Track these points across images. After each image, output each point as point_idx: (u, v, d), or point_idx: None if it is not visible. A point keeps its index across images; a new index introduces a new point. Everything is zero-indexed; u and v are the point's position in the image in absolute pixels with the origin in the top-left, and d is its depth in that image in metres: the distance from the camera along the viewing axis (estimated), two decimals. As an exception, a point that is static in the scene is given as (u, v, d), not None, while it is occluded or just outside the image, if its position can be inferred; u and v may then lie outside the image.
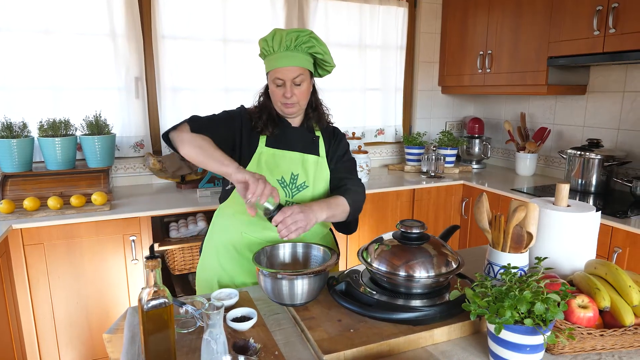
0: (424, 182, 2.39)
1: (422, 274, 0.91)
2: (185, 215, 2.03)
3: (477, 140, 2.79)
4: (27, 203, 1.71)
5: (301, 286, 0.92)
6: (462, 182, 2.45)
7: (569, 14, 2.02)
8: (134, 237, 1.80)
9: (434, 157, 2.52)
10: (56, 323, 1.76)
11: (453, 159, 2.70)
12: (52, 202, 1.74)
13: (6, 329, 1.55)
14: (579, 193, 2.13)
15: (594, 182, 2.09)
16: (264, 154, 1.18)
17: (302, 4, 2.41)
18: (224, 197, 1.26)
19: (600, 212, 1.07)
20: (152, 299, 0.66)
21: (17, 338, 1.64)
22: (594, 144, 2.13)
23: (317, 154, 1.23)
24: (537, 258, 0.92)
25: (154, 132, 2.30)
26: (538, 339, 0.75)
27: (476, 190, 2.35)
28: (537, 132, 2.47)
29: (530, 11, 2.23)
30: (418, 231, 0.96)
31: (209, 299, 0.97)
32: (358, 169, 2.35)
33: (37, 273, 1.70)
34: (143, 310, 0.65)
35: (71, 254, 1.73)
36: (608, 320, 0.88)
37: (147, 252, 1.85)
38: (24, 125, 1.88)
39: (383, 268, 0.94)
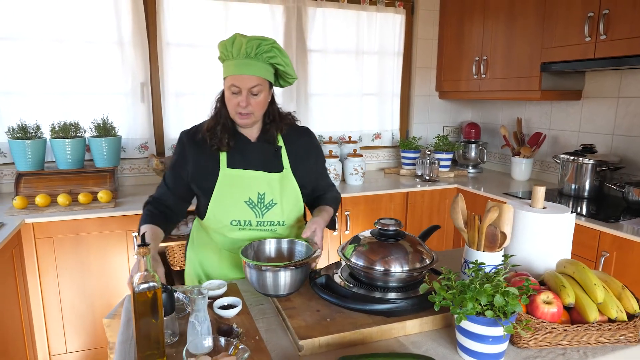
0: (418, 186, 2.44)
1: (396, 269, 0.97)
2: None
3: (473, 145, 2.81)
4: (39, 199, 1.82)
5: (284, 278, 0.99)
6: (456, 185, 2.48)
7: (561, 21, 2.04)
8: (136, 233, 1.89)
9: (428, 161, 2.56)
10: (63, 311, 1.86)
11: (448, 163, 2.73)
12: (61, 199, 1.84)
13: (17, 315, 1.66)
14: (572, 198, 2.13)
15: (587, 187, 2.10)
16: (227, 176, 1.15)
17: (301, 12, 2.48)
18: (202, 213, 1.22)
19: (574, 214, 1.11)
20: (142, 283, 0.74)
21: (27, 324, 1.75)
22: (587, 149, 2.14)
23: (280, 168, 1.18)
24: (504, 256, 0.97)
25: (158, 135, 2.39)
26: (499, 331, 0.80)
27: (469, 194, 2.38)
28: (532, 137, 2.50)
29: (523, 18, 2.25)
30: (394, 229, 1.03)
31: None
32: (352, 171, 2.41)
33: (47, 264, 1.80)
34: (134, 292, 0.73)
35: (78, 248, 1.83)
36: (575, 317, 0.92)
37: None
38: (37, 128, 1.99)
39: (360, 263, 1.00)
